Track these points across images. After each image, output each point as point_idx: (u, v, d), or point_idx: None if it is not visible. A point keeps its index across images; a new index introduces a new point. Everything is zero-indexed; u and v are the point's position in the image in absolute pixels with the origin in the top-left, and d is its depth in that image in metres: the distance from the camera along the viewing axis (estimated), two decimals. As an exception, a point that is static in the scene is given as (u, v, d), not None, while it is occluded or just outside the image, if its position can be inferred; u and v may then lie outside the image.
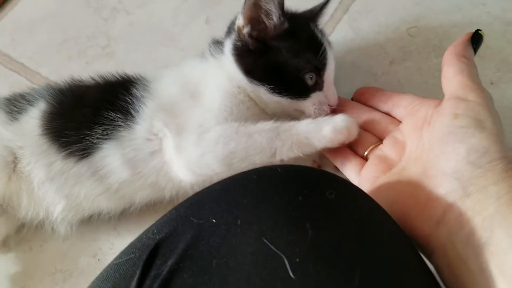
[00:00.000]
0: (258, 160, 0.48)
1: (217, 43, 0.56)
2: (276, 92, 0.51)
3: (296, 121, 0.50)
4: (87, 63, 0.71)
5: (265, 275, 0.29)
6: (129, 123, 0.51)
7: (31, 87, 0.58)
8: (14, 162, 0.52)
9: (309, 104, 0.53)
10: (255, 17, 0.51)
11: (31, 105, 0.54)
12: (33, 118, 0.52)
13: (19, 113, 0.54)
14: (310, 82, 0.52)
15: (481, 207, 0.35)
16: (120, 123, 0.51)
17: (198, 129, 0.50)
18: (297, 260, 0.30)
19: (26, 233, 0.57)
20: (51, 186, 0.51)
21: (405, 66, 0.64)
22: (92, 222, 0.56)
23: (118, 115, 0.51)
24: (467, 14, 0.67)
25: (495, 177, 0.35)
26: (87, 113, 0.52)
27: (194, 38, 0.71)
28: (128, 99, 0.52)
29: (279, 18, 0.50)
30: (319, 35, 0.54)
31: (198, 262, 0.32)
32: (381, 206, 0.34)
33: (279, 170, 0.35)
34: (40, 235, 0.57)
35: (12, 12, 0.79)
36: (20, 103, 0.54)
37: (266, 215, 0.32)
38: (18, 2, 0.80)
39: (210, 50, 0.55)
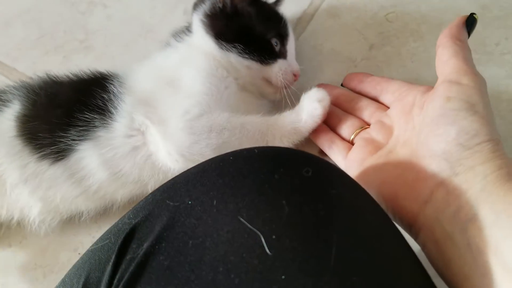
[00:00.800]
0: None
1: (179, 31, 0.58)
2: (246, 54, 0.53)
3: (278, 115, 0.52)
4: (64, 57, 0.70)
5: (241, 253, 0.29)
6: (106, 122, 0.50)
7: (6, 85, 0.57)
8: None
9: (276, 70, 0.55)
10: None
11: (5, 105, 0.52)
12: (8, 120, 0.51)
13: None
14: (276, 48, 0.55)
15: (468, 186, 0.35)
16: (96, 123, 0.50)
17: (185, 115, 0.49)
18: (273, 237, 0.29)
19: (4, 231, 0.56)
20: (24, 188, 0.50)
21: (384, 51, 0.64)
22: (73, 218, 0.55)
23: (94, 116, 0.50)
24: (444, -2, 0.67)
25: (483, 158, 0.36)
26: (60, 114, 0.50)
27: (172, 29, 0.70)
28: (105, 97, 0.51)
29: None
30: (279, 11, 0.60)
31: (174, 243, 0.31)
32: (357, 182, 0.34)
33: (256, 150, 0.35)
34: (19, 232, 0.56)
35: (-13, 8, 0.78)
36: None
37: (242, 194, 0.32)
38: (-8, -2, 0.79)
39: (175, 38, 0.57)
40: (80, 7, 0.75)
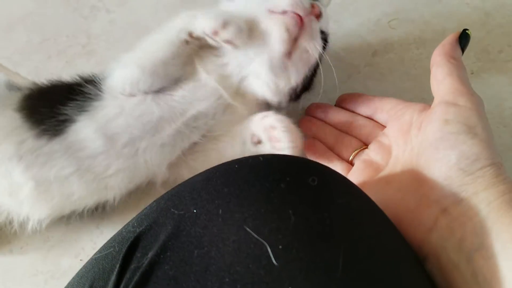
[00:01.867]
0: None
1: None
2: None
3: None
4: (67, 62, 0.70)
5: (248, 263, 0.29)
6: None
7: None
8: None
9: None
10: None
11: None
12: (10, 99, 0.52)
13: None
14: None
15: (472, 213, 0.35)
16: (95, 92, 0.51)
17: None
18: (280, 247, 0.29)
19: (5, 236, 0.56)
20: (18, 164, 0.49)
21: (387, 58, 0.64)
22: (73, 222, 0.55)
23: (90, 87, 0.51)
24: (446, 4, 0.67)
25: (486, 183, 0.36)
26: (62, 90, 0.52)
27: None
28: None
29: None
30: None
31: (179, 253, 0.31)
32: (364, 192, 0.34)
33: (261, 158, 0.35)
34: (21, 238, 0.56)
35: (-11, 11, 0.78)
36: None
37: (248, 203, 0.31)
38: (-5, 2, 0.79)
39: None
40: (83, 12, 0.75)
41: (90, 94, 0.50)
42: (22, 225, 0.53)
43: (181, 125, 0.51)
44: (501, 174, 0.36)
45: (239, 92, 0.53)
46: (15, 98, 0.53)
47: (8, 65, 0.71)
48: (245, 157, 0.35)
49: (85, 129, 0.49)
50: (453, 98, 0.40)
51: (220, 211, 0.32)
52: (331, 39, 0.57)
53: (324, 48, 0.54)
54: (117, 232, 0.36)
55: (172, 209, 0.33)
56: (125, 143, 0.50)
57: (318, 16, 0.51)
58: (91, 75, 0.53)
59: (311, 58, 0.51)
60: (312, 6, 0.50)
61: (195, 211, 0.32)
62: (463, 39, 0.45)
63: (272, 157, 0.35)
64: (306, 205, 0.31)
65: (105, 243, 0.36)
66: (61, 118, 0.49)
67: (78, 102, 0.50)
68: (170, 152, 0.53)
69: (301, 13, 0.48)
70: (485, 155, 0.37)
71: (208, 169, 0.36)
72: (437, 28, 0.65)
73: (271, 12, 0.49)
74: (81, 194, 0.50)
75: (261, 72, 0.50)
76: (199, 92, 0.52)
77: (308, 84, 0.56)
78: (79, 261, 0.54)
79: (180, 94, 0.52)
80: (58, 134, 0.49)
